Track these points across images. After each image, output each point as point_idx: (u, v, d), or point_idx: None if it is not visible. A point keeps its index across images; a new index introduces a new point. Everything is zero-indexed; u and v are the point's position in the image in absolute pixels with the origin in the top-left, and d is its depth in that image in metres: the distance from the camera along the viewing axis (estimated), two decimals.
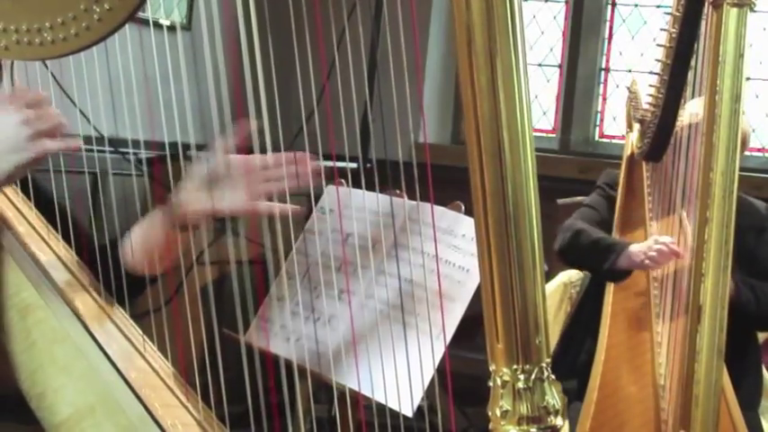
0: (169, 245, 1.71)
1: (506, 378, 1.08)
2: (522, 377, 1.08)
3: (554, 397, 1.10)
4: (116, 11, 1.28)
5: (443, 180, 1.73)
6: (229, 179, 1.64)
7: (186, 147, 1.59)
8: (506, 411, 1.08)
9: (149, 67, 1.56)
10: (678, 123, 2.65)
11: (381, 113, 1.73)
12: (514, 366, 1.08)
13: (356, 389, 1.84)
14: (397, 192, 2.02)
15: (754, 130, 3.40)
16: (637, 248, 2.60)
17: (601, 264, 2.66)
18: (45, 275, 1.61)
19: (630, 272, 2.65)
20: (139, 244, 1.72)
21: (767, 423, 2.78)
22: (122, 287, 1.68)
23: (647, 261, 2.56)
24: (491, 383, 1.10)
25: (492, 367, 1.10)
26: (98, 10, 1.28)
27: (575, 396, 2.60)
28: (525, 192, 1.07)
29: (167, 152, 2.10)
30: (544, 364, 1.09)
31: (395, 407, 1.78)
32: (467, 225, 1.95)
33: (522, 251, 1.07)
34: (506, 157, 1.05)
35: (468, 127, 1.07)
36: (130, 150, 2.96)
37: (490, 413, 1.10)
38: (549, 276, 2.82)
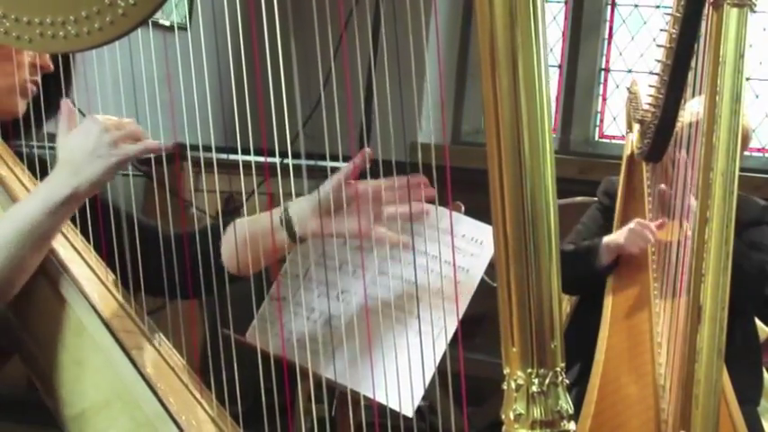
0: (277, 252, 1.75)
1: (521, 381, 1.08)
2: (536, 381, 1.07)
3: (567, 401, 1.09)
4: (140, 6, 1.28)
5: (443, 180, 1.73)
6: (346, 204, 1.68)
7: (186, 147, 1.59)
8: (520, 415, 1.08)
9: (150, 67, 1.56)
10: (679, 122, 2.65)
11: (391, 111, 1.73)
12: (529, 370, 1.07)
13: (356, 389, 1.83)
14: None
15: (754, 130, 3.40)
16: (610, 239, 2.73)
17: (592, 266, 2.72)
18: (64, 269, 1.61)
19: (617, 261, 2.75)
20: (243, 244, 1.72)
21: (767, 423, 2.78)
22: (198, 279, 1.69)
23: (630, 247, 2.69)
24: (505, 386, 1.09)
25: (506, 370, 1.09)
26: (122, 5, 1.28)
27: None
28: (544, 195, 1.06)
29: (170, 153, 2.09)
30: (558, 369, 1.08)
31: (395, 407, 1.78)
32: (467, 225, 1.94)
33: (540, 255, 1.06)
34: (526, 160, 1.05)
35: (489, 129, 1.05)
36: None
37: (503, 416, 1.10)
38: None
